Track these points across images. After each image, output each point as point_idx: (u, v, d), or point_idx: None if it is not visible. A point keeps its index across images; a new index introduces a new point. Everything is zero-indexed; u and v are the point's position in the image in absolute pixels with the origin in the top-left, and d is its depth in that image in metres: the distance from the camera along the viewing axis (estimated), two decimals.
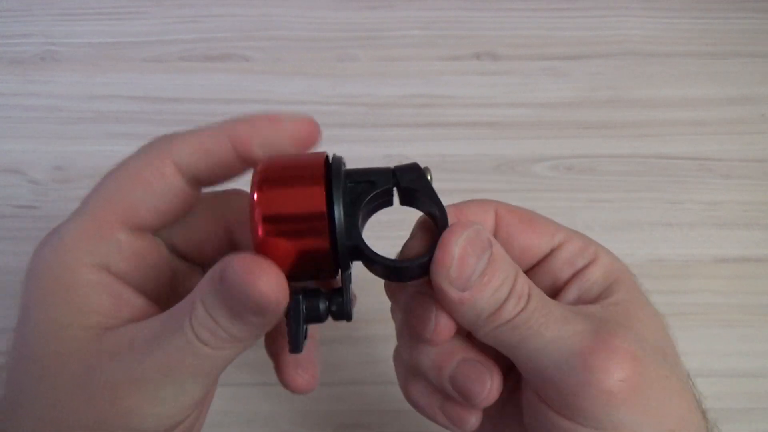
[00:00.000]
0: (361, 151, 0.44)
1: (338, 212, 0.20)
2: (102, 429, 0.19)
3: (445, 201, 0.22)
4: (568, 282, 0.23)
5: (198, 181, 0.22)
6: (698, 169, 0.44)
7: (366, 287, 0.35)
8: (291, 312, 0.20)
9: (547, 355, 0.19)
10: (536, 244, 0.23)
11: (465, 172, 0.43)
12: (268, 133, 0.22)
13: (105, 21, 0.49)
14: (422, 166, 0.22)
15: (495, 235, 0.23)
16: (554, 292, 0.23)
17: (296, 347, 0.20)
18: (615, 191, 0.43)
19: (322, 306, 0.20)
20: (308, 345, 0.22)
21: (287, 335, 0.20)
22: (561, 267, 0.23)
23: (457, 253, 0.19)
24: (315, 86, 0.46)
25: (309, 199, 0.19)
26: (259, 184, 0.19)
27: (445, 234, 0.19)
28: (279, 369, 0.24)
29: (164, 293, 0.23)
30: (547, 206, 0.30)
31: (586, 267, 0.23)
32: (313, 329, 0.24)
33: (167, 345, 0.19)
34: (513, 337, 0.20)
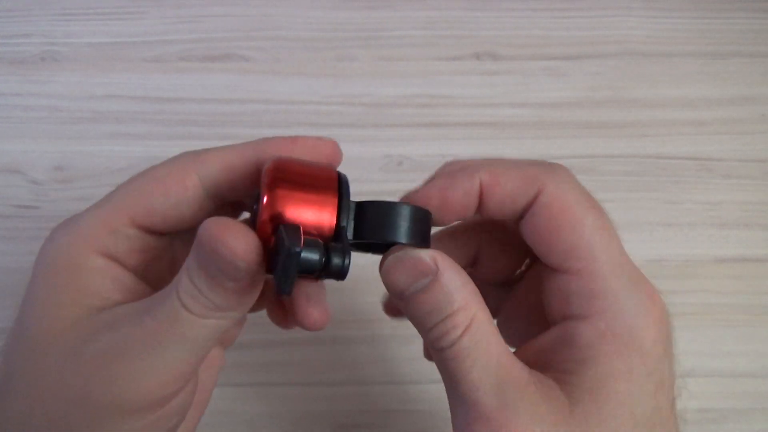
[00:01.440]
0: (361, 151, 0.44)
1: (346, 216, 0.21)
2: (88, 399, 0.20)
3: None
4: (558, 319, 0.22)
5: (219, 196, 0.23)
6: (698, 169, 0.44)
7: (366, 287, 0.35)
8: (278, 245, 0.19)
9: (456, 399, 0.20)
10: (547, 252, 0.22)
11: None
12: (294, 154, 0.23)
13: (105, 21, 0.49)
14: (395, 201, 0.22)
15: (525, 218, 0.22)
16: (551, 317, 0.22)
17: (284, 286, 0.18)
18: (615, 191, 0.43)
19: (315, 260, 0.19)
20: (316, 286, 0.23)
21: (274, 274, 0.19)
22: (553, 294, 0.22)
23: (385, 268, 0.21)
24: (315, 86, 0.46)
25: (322, 209, 0.20)
26: (270, 184, 0.20)
27: (389, 254, 0.21)
28: (291, 311, 0.24)
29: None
30: None
31: (580, 319, 0.21)
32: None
33: (154, 314, 0.20)
34: (442, 363, 0.20)
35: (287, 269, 0.17)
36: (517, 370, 0.20)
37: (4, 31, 0.48)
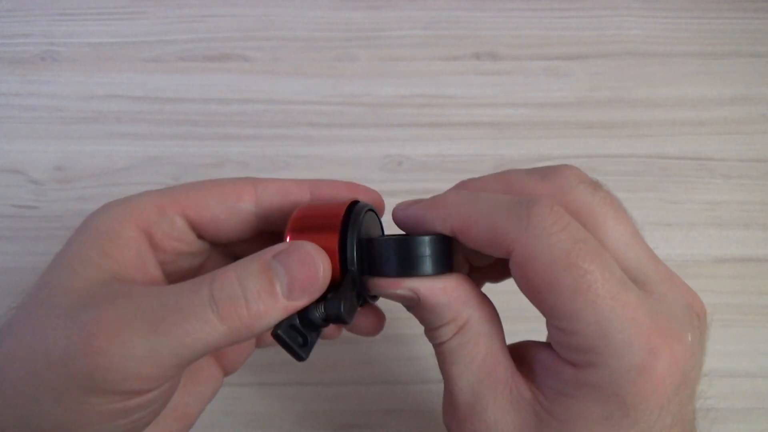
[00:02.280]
0: (361, 151, 0.44)
1: (350, 253, 0.22)
2: (65, 363, 0.19)
3: None
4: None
5: (267, 220, 0.25)
6: (698, 169, 0.44)
7: None
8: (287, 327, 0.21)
9: (445, 386, 0.22)
10: (535, 306, 0.21)
11: (465, 172, 0.43)
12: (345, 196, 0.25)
13: (105, 21, 0.49)
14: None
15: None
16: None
17: (296, 355, 0.20)
18: (615, 191, 0.42)
19: (315, 315, 0.21)
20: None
21: (288, 349, 0.21)
22: (549, 333, 0.21)
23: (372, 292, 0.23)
24: (315, 86, 0.46)
25: (325, 242, 0.22)
26: (290, 231, 0.23)
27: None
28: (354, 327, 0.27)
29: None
30: None
31: (568, 363, 0.20)
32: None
33: (172, 301, 0.19)
34: (436, 354, 0.22)
35: (285, 346, 0.20)
36: (500, 371, 0.21)
37: (4, 31, 0.48)
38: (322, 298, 0.21)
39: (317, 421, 0.36)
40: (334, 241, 0.22)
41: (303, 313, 0.21)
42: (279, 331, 0.20)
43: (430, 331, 0.22)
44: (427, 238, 0.22)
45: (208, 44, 0.48)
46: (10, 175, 0.43)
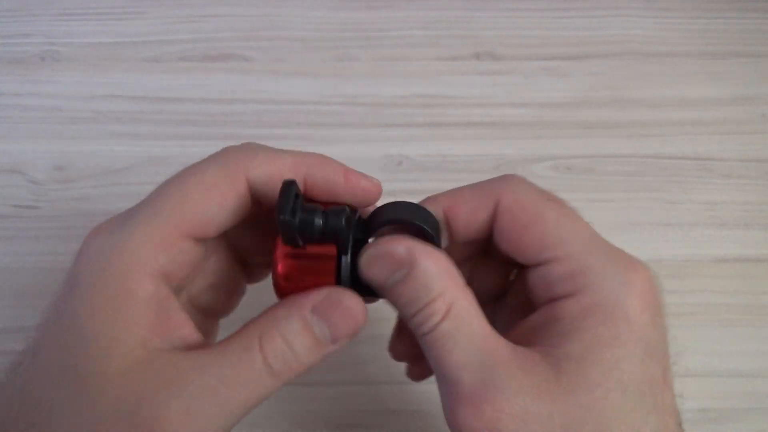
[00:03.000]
0: (361, 151, 0.44)
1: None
2: None
3: None
4: (542, 306, 0.22)
5: (262, 203, 0.23)
6: (698, 169, 0.44)
7: None
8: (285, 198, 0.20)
9: (442, 380, 0.21)
10: (520, 254, 0.22)
11: (465, 172, 0.43)
12: (344, 185, 0.23)
13: (105, 21, 0.49)
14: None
15: (491, 231, 0.23)
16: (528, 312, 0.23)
17: (292, 239, 0.20)
18: (615, 191, 0.43)
19: (317, 221, 0.21)
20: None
21: (281, 228, 0.20)
22: (536, 287, 0.22)
23: (363, 263, 0.21)
24: (315, 86, 0.46)
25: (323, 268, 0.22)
26: (282, 258, 0.22)
27: (365, 248, 0.22)
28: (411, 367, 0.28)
29: (213, 298, 0.26)
30: None
31: (563, 298, 0.21)
32: None
33: (225, 372, 0.20)
34: (426, 349, 0.21)
35: (283, 197, 0.20)
36: (501, 348, 0.20)
37: (4, 31, 0.48)
38: (324, 212, 0.21)
39: (317, 421, 0.36)
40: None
41: (306, 216, 0.21)
42: (287, 218, 0.19)
43: (416, 314, 0.21)
44: (423, 207, 0.23)
45: (208, 44, 0.48)
46: (10, 175, 0.43)
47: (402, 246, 0.21)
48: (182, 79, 0.46)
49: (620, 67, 0.47)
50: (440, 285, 0.20)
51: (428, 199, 0.24)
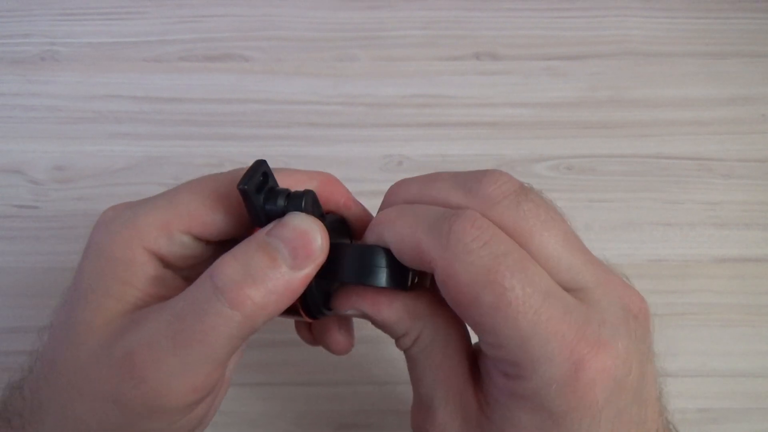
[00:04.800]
0: (361, 151, 0.44)
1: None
2: (118, 399, 0.20)
3: None
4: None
5: None
6: (698, 169, 0.44)
7: None
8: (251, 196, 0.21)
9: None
10: (463, 319, 0.22)
11: None
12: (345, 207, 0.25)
13: (105, 21, 0.49)
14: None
15: None
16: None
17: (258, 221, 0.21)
18: (615, 191, 0.43)
19: (280, 201, 0.21)
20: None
21: (249, 212, 0.21)
22: (482, 345, 0.21)
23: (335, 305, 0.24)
24: (315, 86, 0.46)
25: None
26: None
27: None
28: (321, 335, 0.27)
29: None
30: None
31: (498, 373, 0.20)
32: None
33: (180, 309, 0.20)
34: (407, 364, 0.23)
35: (250, 170, 0.21)
36: (454, 378, 0.22)
37: (4, 31, 0.48)
38: (288, 194, 0.22)
39: (317, 421, 0.36)
40: None
41: (270, 197, 0.21)
42: (245, 187, 0.20)
43: (395, 340, 0.23)
44: (382, 250, 0.21)
45: (208, 44, 0.48)
46: (10, 175, 0.43)
47: (352, 308, 0.23)
48: (182, 79, 0.46)
49: (620, 67, 0.48)
50: (401, 328, 0.22)
51: (375, 223, 0.22)
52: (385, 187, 0.24)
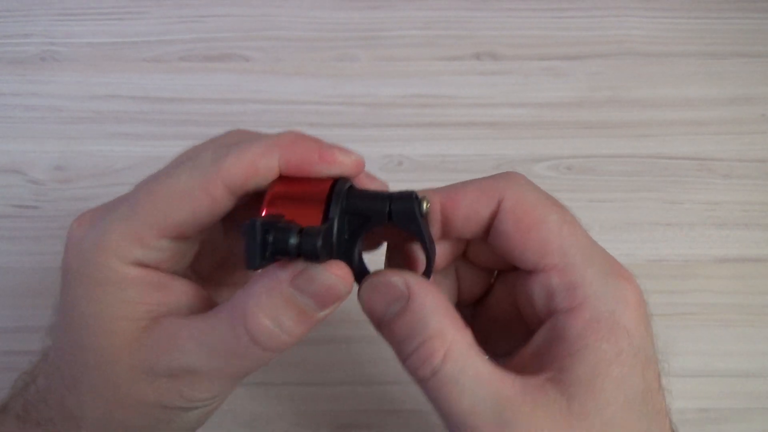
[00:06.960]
0: (361, 151, 0.43)
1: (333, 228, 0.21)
2: (167, 405, 0.22)
3: None
4: (545, 318, 0.22)
5: (242, 194, 0.23)
6: (698, 169, 0.44)
7: None
8: (250, 229, 0.19)
9: (454, 427, 0.20)
10: (519, 256, 0.22)
11: (465, 172, 0.43)
12: (319, 163, 0.23)
13: (105, 21, 0.49)
14: (419, 194, 0.23)
15: (491, 229, 0.23)
16: (534, 319, 0.23)
17: (252, 261, 0.19)
18: (615, 191, 0.43)
19: (292, 241, 0.19)
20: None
21: (246, 250, 0.19)
22: (535, 295, 0.22)
23: (362, 296, 0.22)
24: (315, 86, 0.46)
25: (308, 219, 0.21)
26: (269, 200, 0.22)
27: (364, 281, 0.22)
28: None
29: (226, 273, 0.28)
30: None
31: (565, 312, 0.21)
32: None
33: (212, 340, 0.21)
34: (430, 396, 0.21)
35: (250, 240, 0.19)
36: (509, 387, 0.20)
37: (4, 31, 0.48)
38: (300, 230, 0.20)
39: (317, 421, 0.36)
40: (317, 218, 0.21)
41: (280, 235, 0.19)
42: (257, 223, 0.19)
43: (413, 353, 0.20)
44: (406, 197, 0.22)
45: (208, 44, 0.48)
46: (10, 175, 0.43)
47: (401, 278, 0.21)
48: (182, 79, 0.46)
49: (620, 67, 0.48)
50: (436, 321, 0.20)
51: (429, 190, 0.23)
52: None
